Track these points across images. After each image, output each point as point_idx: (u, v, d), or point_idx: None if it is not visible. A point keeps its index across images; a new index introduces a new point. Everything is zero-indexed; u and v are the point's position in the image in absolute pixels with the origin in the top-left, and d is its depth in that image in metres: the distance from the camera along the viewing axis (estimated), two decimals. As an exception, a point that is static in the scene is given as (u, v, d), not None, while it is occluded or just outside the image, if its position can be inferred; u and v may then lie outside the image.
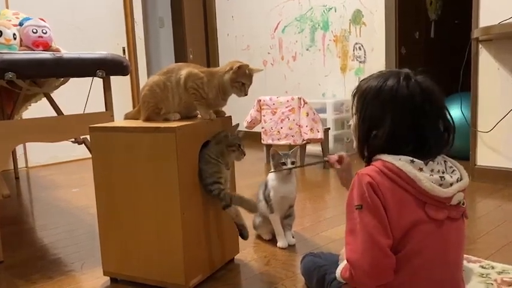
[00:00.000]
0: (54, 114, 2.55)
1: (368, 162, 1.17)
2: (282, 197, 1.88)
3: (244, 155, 1.62)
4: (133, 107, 4.75)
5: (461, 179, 1.13)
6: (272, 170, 1.88)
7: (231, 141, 1.57)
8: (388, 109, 1.12)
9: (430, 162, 1.10)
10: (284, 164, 1.84)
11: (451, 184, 1.10)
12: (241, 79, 1.55)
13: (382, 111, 1.13)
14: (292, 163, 1.85)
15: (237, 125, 1.67)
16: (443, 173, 1.11)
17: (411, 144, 1.11)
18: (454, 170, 1.14)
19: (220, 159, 1.58)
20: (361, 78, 1.25)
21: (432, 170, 1.09)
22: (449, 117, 1.15)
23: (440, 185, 1.08)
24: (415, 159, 1.08)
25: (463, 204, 1.13)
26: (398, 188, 1.07)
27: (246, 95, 1.58)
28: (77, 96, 2.68)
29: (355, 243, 1.08)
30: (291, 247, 1.90)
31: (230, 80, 1.54)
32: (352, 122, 1.23)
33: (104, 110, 2.21)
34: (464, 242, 1.18)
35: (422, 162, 1.09)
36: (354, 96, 1.22)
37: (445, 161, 1.15)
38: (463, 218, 1.14)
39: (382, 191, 1.06)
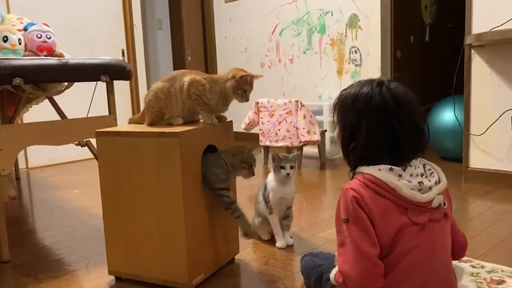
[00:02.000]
0: (56, 117, 2.59)
1: (353, 171, 1.24)
2: (280, 198, 1.94)
3: (253, 175, 1.67)
4: (132, 109, 4.81)
5: (439, 182, 1.19)
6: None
7: (246, 158, 1.63)
8: (363, 116, 1.19)
9: (408, 167, 1.16)
10: (283, 167, 1.90)
11: (430, 188, 1.16)
12: (243, 86, 1.61)
13: (358, 119, 1.20)
14: (291, 167, 1.91)
15: (254, 149, 1.70)
16: (422, 176, 1.17)
17: (388, 150, 1.17)
18: (432, 173, 1.21)
19: (232, 169, 1.64)
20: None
21: (411, 175, 1.16)
22: (422, 121, 1.21)
23: (420, 190, 1.14)
24: (393, 167, 1.14)
25: (444, 205, 1.19)
26: (380, 198, 1.13)
27: (247, 100, 1.65)
28: (77, 100, 2.73)
29: (346, 255, 1.15)
30: (289, 247, 1.96)
31: (232, 88, 1.61)
32: (336, 131, 1.31)
33: (106, 114, 2.27)
34: (450, 240, 1.24)
35: (401, 168, 1.15)
36: (334, 106, 1.29)
37: (423, 164, 1.22)
38: (446, 218, 1.21)
39: (366, 202, 1.12)
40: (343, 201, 1.16)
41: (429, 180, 1.17)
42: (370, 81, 1.23)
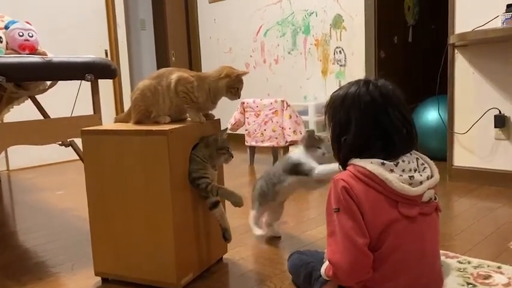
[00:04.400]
0: (38, 117, 2.54)
1: (344, 167, 1.25)
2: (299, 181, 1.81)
3: (232, 157, 1.67)
4: (116, 108, 4.75)
5: (431, 176, 1.20)
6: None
7: (221, 144, 1.62)
8: (351, 114, 1.21)
9: (401, 162, 1.17)
10: (320, 148, 1.77)
11: (421, 182, 1.17)
12: (237, 85, 1.63)
13: (347, 117, 1.22)
14: (323, 154, 1.78)
15: (226, 129, 1.72)
16: (415, 171, 1.19)
17: (378, 146, 1.19)
18: (425, 168, 1.22)
19: (208, 161, 1.62)
20: (342, 82, 1.34)
21: (403, 170, 1.17)
22: (410, 115, 1.23)
23: (410, 184, 1.15)
24: (385, 162, 1.16)
25: (435, 199, 1.21)
26: (371, 190, 1.14)
27: (239, 97, 1.65)
28: (60, 99, 2.68)
29: (335, 245, 1.16)
30: (277, 246, 1.95)
31: (226, 86, 1.61)
32: (328, 132, 1.32)
33: (89, 113, 2.23)
34: (439, 234, 1.26)
35: (393, 163, 1.16)
36: (325, 108, 1.31)
37: (417, 158, 1.23)
38: (436, 212, 1.23)
39: (356, 193, 1.14)
40: (334, 191, 1.17)
41: (421, 175, 1.18)
42: (358, 81, 1.27)
